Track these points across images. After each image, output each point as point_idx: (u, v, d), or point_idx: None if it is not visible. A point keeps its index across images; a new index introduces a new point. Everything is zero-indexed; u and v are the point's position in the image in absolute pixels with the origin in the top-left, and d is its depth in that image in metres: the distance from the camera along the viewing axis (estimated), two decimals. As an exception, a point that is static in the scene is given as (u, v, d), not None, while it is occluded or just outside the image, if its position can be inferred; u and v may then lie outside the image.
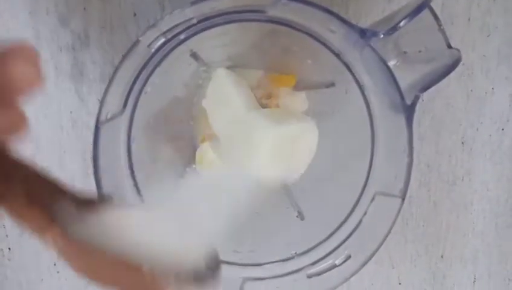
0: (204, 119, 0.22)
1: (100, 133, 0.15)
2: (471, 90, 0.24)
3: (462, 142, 0.24)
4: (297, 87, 0.22)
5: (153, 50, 0.15)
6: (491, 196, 0.24)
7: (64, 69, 0.23)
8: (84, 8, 0.22)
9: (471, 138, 0.24)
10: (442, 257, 0.24)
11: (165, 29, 0.15)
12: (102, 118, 0.15)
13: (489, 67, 0.24)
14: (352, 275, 0.17)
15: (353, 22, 0.15)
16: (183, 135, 0.22)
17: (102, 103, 0.15)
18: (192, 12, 0.15)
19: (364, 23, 0.23)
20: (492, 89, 0.24)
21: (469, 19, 0.23)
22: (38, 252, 0.24)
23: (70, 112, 0.23)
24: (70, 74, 0.23)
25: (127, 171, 0.17)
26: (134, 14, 0.22)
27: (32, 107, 0.23)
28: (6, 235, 0.24)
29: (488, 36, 0.23)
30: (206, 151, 0.22)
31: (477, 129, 0.24)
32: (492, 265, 0.25)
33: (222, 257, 0.18)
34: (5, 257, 0.24)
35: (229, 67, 0.21)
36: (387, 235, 0.17)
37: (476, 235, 0.24)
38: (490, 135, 0.24)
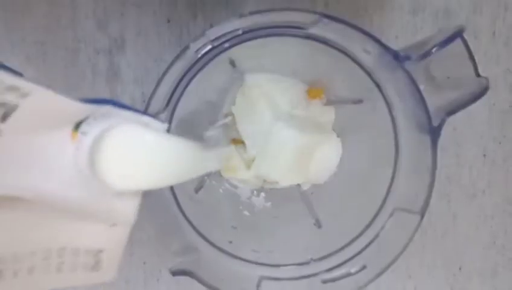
0: (232, 124, 0.23)
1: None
2: (494, 104, 0.24)
3: (484, 155, 0.24)
4: (326, 101, 0.23)
5: (199, 55, 0.17)
6: (513, 210, 0.24)
7: (100, 71, 0.24)
8: (121, 14, 0.24)
9: (492, 151, 0.24)
10: (460, 269, 0.24)
11: (212, 37, 0.16)
12: (148, 113, 0.16)
13: (513, 82, 0.24)
14: (366, 285, 0.17)
15: (377, 33, 0.16)
16: (210, 138, 0.23)
17: (150, 99, 0.16)
18: (239, 24, 0.16)
19: (388, 34, 0.23)
20: (516, 102, 0.24)
21: (494, 33, 0.23)
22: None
23: (105, 111, 0.25)
24: (106, 75, 0.24)
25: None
26: (168, 21, 0.24)
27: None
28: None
29: (512, 51, 0.23)
30: (231, 156, 0.22)
31: (500, 142, 0.24)
32: (513, 280, 0.24)
33: (241, 255, 0.19)
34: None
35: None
36: (403, 250, 0.17)
37: (496, 249, 0.24)
38: (513, 149, 0.24)
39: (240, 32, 0.17)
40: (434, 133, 0.16)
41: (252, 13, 0.16)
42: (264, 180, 0.23)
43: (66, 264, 0.12)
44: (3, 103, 0.10)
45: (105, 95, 0.24)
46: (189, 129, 0.22)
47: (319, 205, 0.22)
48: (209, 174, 0.23)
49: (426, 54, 0.16)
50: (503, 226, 0.24)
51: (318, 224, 0.22)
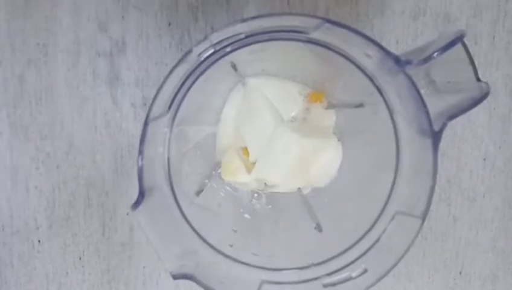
0: (233, 127, 0.23)
1: (147, 130, 0.16)
2: (494, 108, 0.24)
3: (484, 159, 0.24)
4: (327, 104, 0.23)
5: (201, 59, 0.17)
6: (513, 214, 0.24)
7: (101, 73, 0.24)
8: (123, 17, 0.24)
9: (493, 155, 0.24)
10: (460, 273, 0.25)
11: (215, 41, 0.16)
12: (151, 116, 0.16)
13: (513, 87, 0.24)
14: (367, 289, 0.17)
15: (378, 38, 0.16)
16: (211, 140, 0.23)
17: (152, 102, 0.16)
18: (242, 28, 0.16)
19: (389, 38, 0.23)
20: (516, 108, 0.24)
21: (494, 38, 0.24)
22: (66, 245, 0.25)
23: (105, 113, 0.25)
24: (107, 78, 0.24)
25: (165, 168, 0.18)
26: (169, 24, 0.24)
27: (68, 108, 0.25)
28: (37, 228, 0.25)
29: (512, 56, 0.24)
30: (232, 159, 0.22)
31: (500, 147, 0.24)
32: (513, 285, 0.25)
33: (241, 258, 0.19)
34: (35, 249, 0.25)
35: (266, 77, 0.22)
36: (404, 254, 0.17)
37: (497, 253, 0.24)
38: (513, 154, 0.24)
39: (243, 36, 0.17)
40: (435, 137, 0.16)
41: (254, 18, 0.16)
42: (265, 184, 0.23)
43: None
44: None
45: (106, 97, 0.25)
46: (191, 131, 0.22)
47: (320, 209, 0.22)
48: (209, 177, 0.23)
49: (427, 59, 0.16)
50: (503, 231, 0.24)
51: (319, 228, 0.22)
